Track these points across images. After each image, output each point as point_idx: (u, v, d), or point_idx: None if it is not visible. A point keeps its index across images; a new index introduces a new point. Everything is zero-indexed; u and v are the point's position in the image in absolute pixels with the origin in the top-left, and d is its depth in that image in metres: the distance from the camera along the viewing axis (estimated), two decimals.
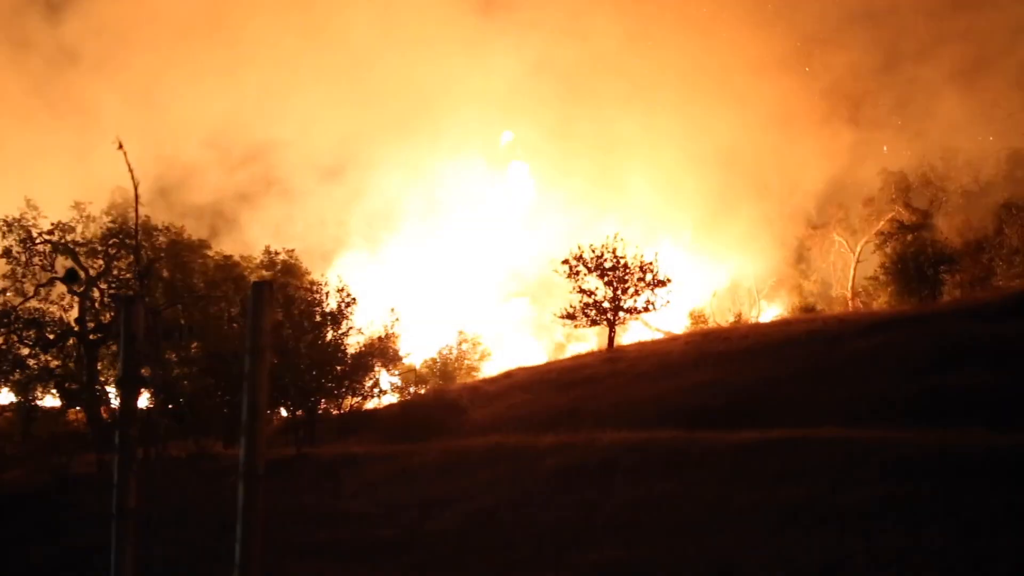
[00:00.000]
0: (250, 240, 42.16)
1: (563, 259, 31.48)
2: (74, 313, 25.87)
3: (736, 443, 12.92)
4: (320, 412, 22.88)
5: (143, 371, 3.91)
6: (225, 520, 3.45)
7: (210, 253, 29.40)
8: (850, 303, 44.16)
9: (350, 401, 24.04)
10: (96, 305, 26.04)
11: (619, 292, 30.65)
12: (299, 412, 22.48)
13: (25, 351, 25.26)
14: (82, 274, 25.81)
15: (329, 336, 22.43)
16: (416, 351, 34.41)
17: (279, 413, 23.26)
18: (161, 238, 27.60)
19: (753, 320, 44.53)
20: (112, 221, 26.99)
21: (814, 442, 12.36)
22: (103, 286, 26.19)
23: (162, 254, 27.46)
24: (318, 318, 22.46)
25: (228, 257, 30.22)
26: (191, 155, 52.81)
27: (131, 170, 22.46)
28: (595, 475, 12.56)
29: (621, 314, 31.11)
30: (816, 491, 10.36)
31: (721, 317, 46.02)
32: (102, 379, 25.57)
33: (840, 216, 47.48)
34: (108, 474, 3.83)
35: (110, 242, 26.54)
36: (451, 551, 10.43)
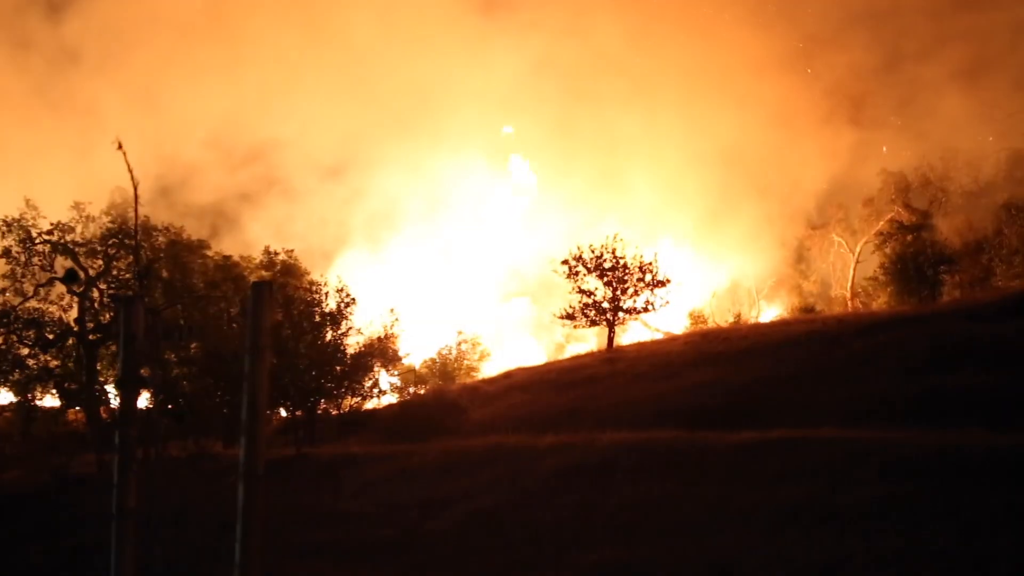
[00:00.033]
0: (251, 240, 42.18)
1: (563, 259, 31.50)
2: (73, 313, 25.90)
3: (736, 443, 12.92)
4: (320, 412, 22.88)
5: (143, 371, 3.91)
6: (225, 520, 3.45)
7: (209, 253, 29.43)
8: (849, 303, 44.17)
9: (350, 401, 24.03)
10: (95, 305, 26.05)
11: (618, 292, 30.65)
12: (299, 412, 22.49)
13: (25, 351, 25.29)
14: (81, 274, 25.83)
15: (328, 336, 22.43)
16: (416, 351, 34.44)
17: (279, 413, 23.28)
18: (160, 238, 27.63)
19: (753, 320, 44.54)
20: (111, 221, 27.01)
21: (814, 442, 12.36)
22: (102, 286, 26.21)
23: (161, 254, 27.48)
24: (317, 318, 22.46)
25: (227, 257, 30.25)
26: (192, 155, 52.85)
27: (131, 170, 22.53)
28: (595, 475, 12.55)
29: (620, 314, 31.10)
30: (816, 491, 10.36)
31: (721, 317, 46.05)
32: (101, 379, 25.59)
33: (840, 216, 47.51)
34: (107, 474, 3.83)
35: (109, 242, 26.57)
36: (451, 551, 10.42)
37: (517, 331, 49.15)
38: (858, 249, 45.73)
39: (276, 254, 32.12)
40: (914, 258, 37.71)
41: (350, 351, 23.09)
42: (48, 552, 12.08)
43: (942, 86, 49.83)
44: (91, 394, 24.59)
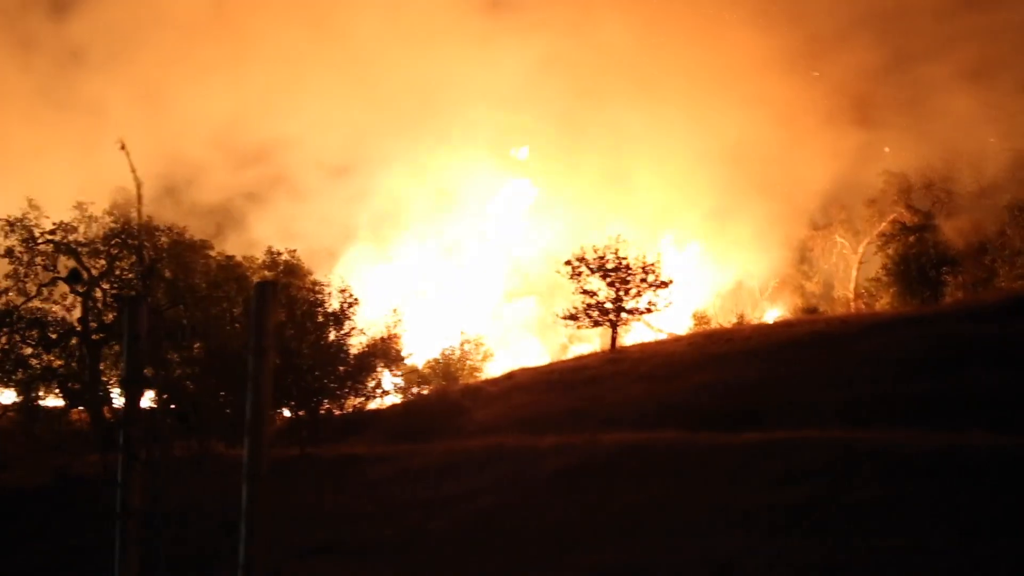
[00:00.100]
0: (257, 239, 42.04)
1: (566, 260, 31.52)
2: (77, 313, 25.95)
3: (738, 444, 12.92)
4: (323, 412, 22.90)
5: (146, 371, 3.93)
6: (228, 520, 3.47)
7: (212, 253, 29.44)
8: (852, 304, 44.07)
9: (353, 402, 24.04)
10: (99, 305, 26.10)
11: (621, 293, 30.67)
12: (302, 412, 22.50)
13: (28, 351, 25.33)
14: (84, 274, 25.88)
15: (332, 336, 22.46)
16: (419, 351, 34.42)
17: (282, 413, 23.28)
18: (163, 238, 27.67)
19: (756, 321, 44.48)
20: (114, 221, 27.06)
21: (816, 443, 12.36)
22: (105, 286, 26.26)
23: (164, 254, 27.52)
24: (320, 318, 22.49)
25: (230, 257, 30.25)
26: (198, 153, 52.70)
27: (133, 170, 22.60)
28: (597, 476, 12.57)
29: (623, 315, 31.12)
30: (818, 492, 10.37)
31: (724, 318, 45.99)
32: (104, 379, 25.63)
33: (843, 217, 47.42)
34: (110, 474, 3.85)
35: (112, 242, 26.61)
36: (453, 551, 10.43)
37: (521, 331, 49.11)
38: (861, 250, 45.62)
39: (279, 254, 32.10)
40: (917, 259, 37.67)
41: (353, 351, 23.12)
42: (48, 552, 12.10)
43: (946, 87, 49.68)
44: (94, 394, 24.63)
